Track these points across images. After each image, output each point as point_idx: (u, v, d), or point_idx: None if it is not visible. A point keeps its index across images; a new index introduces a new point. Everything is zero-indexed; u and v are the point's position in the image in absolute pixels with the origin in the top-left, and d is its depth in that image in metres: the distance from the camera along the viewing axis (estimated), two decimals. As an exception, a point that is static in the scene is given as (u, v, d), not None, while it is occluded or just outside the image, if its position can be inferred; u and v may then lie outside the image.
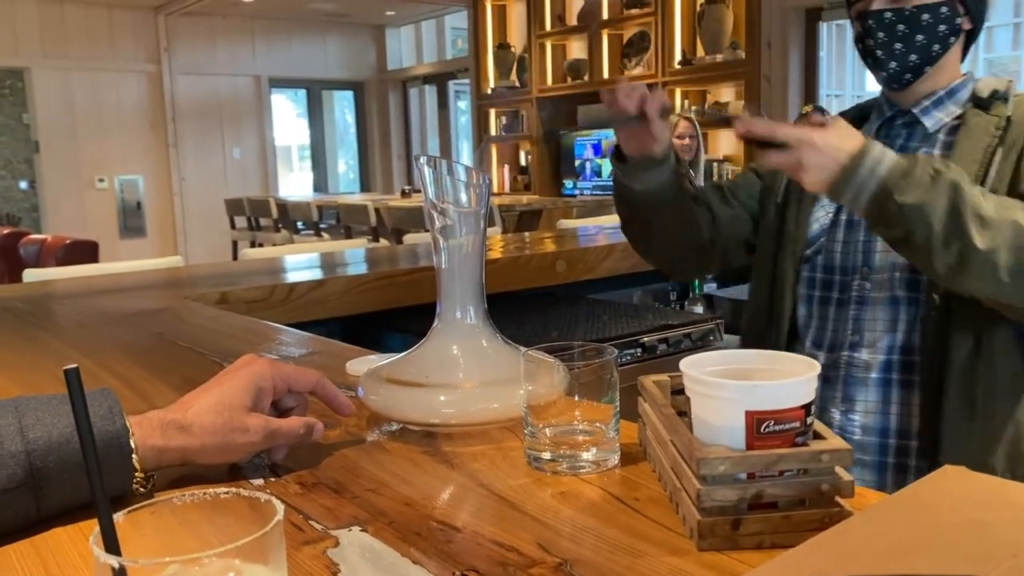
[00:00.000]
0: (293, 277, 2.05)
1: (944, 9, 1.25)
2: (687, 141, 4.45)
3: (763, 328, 1.40)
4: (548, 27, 7.69)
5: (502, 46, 8.23)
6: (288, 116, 10.44)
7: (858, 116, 1.42)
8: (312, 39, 9.65)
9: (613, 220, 4.37)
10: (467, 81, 8.91)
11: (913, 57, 1.27)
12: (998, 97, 1.27)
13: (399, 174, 10.28)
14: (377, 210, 6.12)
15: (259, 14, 9.01)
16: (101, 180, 8.61)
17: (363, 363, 1.15)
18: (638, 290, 2.88)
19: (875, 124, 1.38)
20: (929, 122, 1.31)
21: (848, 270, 1.32)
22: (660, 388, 0.78)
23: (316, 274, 2.12)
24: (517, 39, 8.22)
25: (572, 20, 7.55)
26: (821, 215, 1.37)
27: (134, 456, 0.68)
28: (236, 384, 0.76)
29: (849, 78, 8.42)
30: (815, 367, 0.62)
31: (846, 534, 0.51)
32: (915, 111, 1.32)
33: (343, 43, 9.88)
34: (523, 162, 8.39)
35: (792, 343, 1.38)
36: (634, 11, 6.95)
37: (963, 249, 1.08)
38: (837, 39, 7.94)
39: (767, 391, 0.61)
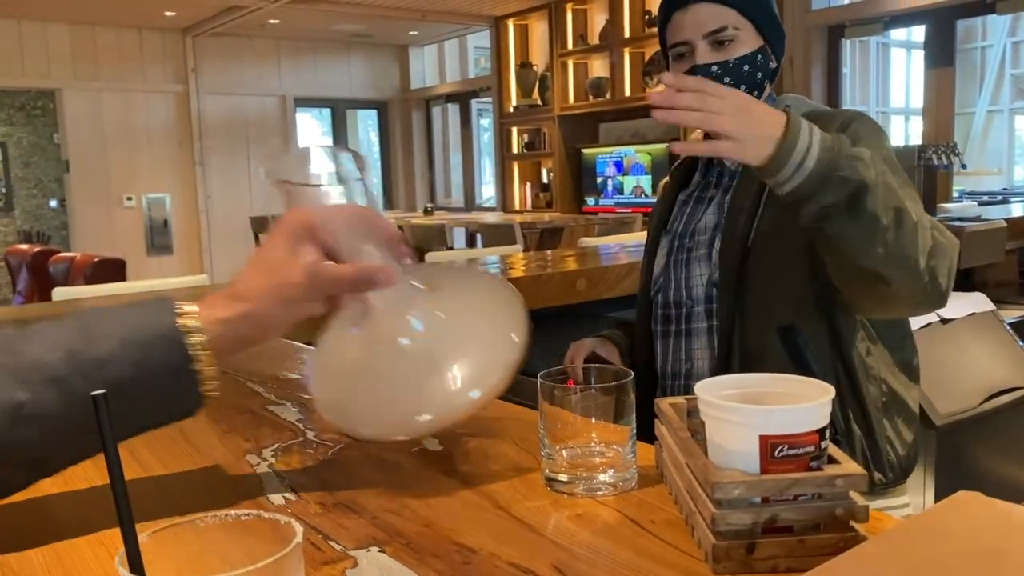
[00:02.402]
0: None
1: (760, 57, 1.35)
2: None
3: (643, 360, 1.50)
4: (570, 46, 7.74)
5: (524, 65, 8.28)
6: (313, 135, 10.55)
7: (691, 159, 1.52)
8: (337, 59, 9.76)
9: (634, 238, 4.38)
10: (489, 100, 8.96)
11: None
12: None
13: (422, 192, 10.34)
14: (400, 227, 6.16)
15: (285, 35, 9.13)
16: (129, 198, 8.73)
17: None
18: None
19: (702, 168, 1.48)
20: (729, 162, 1.40)
21: (679, 304, 1.42)
22: (676, 410, 0.78)
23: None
24: (539, 58, 8.26)
25: (594, 39, 7.58)
26: (660, 256, 1.48)
27: (198, 364, 0.69)
28: (272, 241, 0.74)
29: (873, 94, 8.38)
30: (829, 392, 0.63)
31: (860, 560, 0.51)
32: None
33: (367, 63, 9.98)
34: (545, 179, 8.42)
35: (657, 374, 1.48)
36: (656, 29, 6.97)
37: (899, 208, 1.06)
38: (860, 55, 7.91)
39: (781, 415, 0.61)
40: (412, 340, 0.81)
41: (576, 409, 0.79)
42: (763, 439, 0.61)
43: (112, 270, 4.91)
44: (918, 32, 7.07)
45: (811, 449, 0.61)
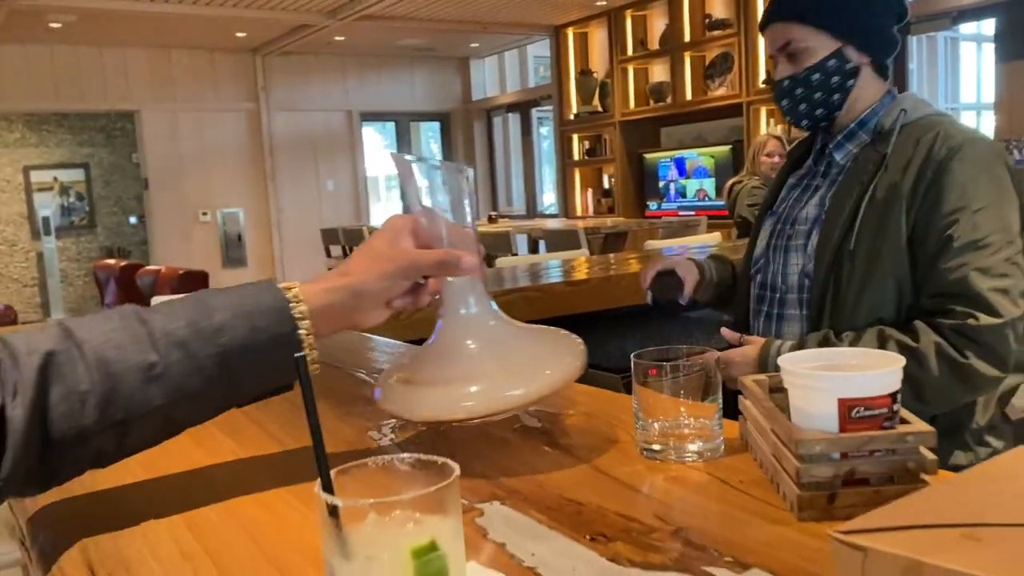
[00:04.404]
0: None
1: (831, 62, 1.37)
2: (776, 160, 4.48)
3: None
4: (630, 52, 7.80)
5: (584, 72, 8.37)
6: (377, 147, 10.81)
7: (809, 141, 1.56)
8: (400, 73, 10.00)
9: (699, 240, 4.42)
10: (550, 108, 9.07)
11: (819, 111, 1.40)
12: (884, 131, 1.36)
13: (484, 200, 10.50)
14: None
15: (351, 51, 9.40)
16: (205, 214, 9.09)
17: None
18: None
19: (814, 155, 1.51)
20: (839, 155, 1.43)
21: (774, 287, 1.46)
22: (760, 386, 0.86)
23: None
24: (599, 64, 8.34)
25: (654, 44, 7.63)
26: (762, 238, 1.52)
27: (303, 332, 0.78)
28: (377, 235, 0.85)
29: (941, 90, 8.22)
30: (900, 360, 0.70)
31: (932, 496, 0.58)
32: (830, 146, 1.45)
33: (430, 76, 10.20)
34: (606, 185, 8.48)
35: None
36: (716, 32, 6.99)
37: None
38: (928, 52, 7.78)
39: (857, 381, 0.69)
40: (497, 323, 0.92)
41: (666, 389, 0.87)
42: (841, 402, 0.68)
43: (196, 282, 5.15)
44: (988, 25, 6.94)
45: (884, 410, 0.68)
